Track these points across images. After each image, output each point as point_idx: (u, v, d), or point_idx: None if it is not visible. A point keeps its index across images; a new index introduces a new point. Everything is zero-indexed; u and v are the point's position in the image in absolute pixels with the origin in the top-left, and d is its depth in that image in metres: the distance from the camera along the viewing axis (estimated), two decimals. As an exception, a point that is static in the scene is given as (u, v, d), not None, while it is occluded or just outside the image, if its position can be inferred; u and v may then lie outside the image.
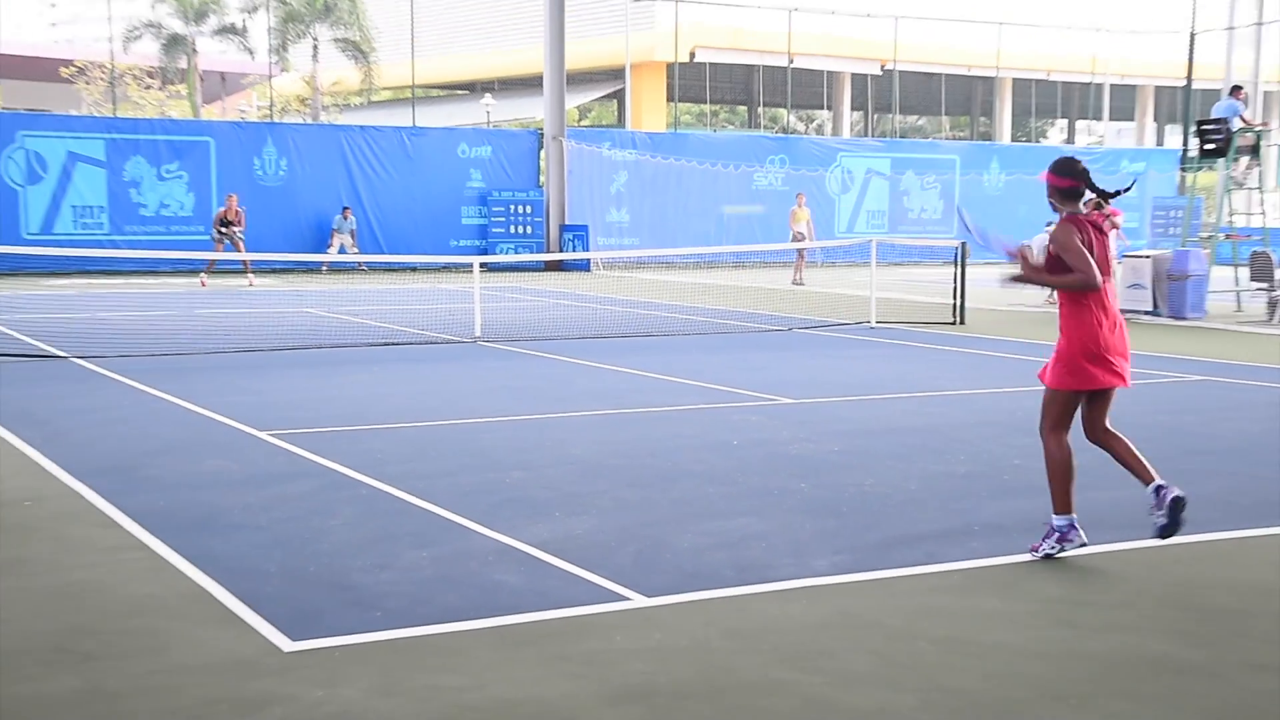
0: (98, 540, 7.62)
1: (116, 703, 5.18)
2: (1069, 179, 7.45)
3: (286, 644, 5.78)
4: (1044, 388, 7.55)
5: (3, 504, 8.57)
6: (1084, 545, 7.26)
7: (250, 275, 30.22)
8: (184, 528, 7.81)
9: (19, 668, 5.57)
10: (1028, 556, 7.35)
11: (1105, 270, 7.39)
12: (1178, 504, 7.14)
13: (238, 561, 7.10)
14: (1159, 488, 7.23)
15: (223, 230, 29.82)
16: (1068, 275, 7.30)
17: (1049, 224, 29.13)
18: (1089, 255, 7.19)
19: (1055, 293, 8.01)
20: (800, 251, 31.57)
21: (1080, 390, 7.36)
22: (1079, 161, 7.62)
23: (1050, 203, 7.59)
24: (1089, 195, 7.46)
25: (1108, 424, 7.45)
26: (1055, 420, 7.38)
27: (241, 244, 29.50)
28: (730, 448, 10.53)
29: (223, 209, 30.32)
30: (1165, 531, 7.15)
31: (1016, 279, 7.74)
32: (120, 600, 6.50)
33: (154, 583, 6.77)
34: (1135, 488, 9.03)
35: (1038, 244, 23.72)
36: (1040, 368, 7.74)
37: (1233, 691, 5.42)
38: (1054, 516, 7.30)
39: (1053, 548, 7.24)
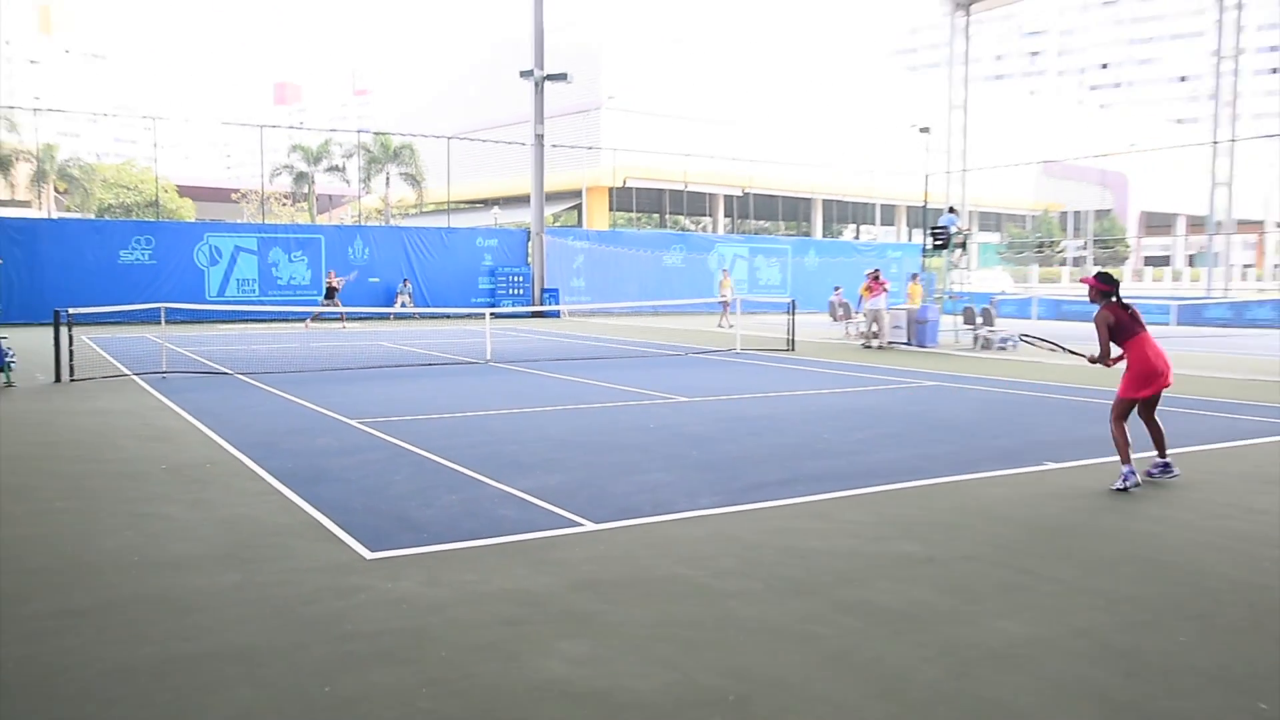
0: (250, 488, 7.64)
1: (264, 590, 5.26)
2: (1106, 285, 7.80)
3: (368, 554, 5.86)
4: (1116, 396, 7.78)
5: (192, 465, 8.57)
6: (1138, 485, 7.55)
7: (344, 322, 30.15)
8: (304, 480, 7.84)
9: (200, 568, 5.64)
10: (837, 494, 7.42)
11: (1140, 325, 7.73)
12: (1167, 469, 7.90)
13: (337, 502, 7.13)
14: (1166, 463, 7.91)
15: (330, 292, 29.90)
16: (1103, 347, 7.68)
17: (836, 287, 29.34)
18: (1109, 331, 7.63)
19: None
20: (724, 304, 30.85)
21: (1138, 398, 7.69)
22: (1112, 275, 7.96)
23: (1091, 299, 7.84)
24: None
25: (1155, 416, 7.86)
26: (1118, 415, 7.70)
27: (339, 303, 29.51)
28: (648, 429, 10.55)
29: (328, 280, 30.34)
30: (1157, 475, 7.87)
31: (1093, 360, 7.81)
32: (264, 525, 6.54)
33: (285, 515, 6.81)
34: (895, 453, 9.24)
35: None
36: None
37: (950, 574, 5.60)
38: (1123, 466, 7.58)
39: (1120, 485, 7.52)
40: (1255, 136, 44.44)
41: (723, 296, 30.81)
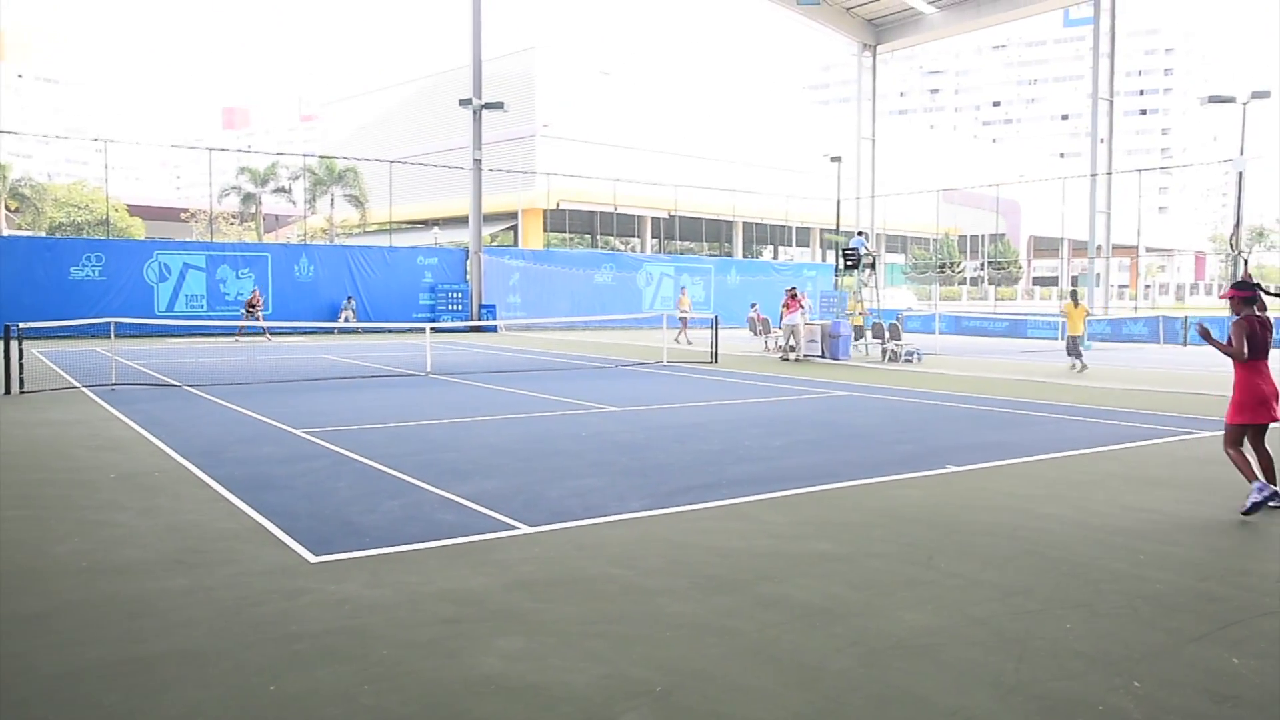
0: (198, 495, 7.45)
1: (211, 593, 5.13)
2: (1247, 291, 7.13)
3: (312, 558, 5.76)
4: (1226, 424, 7.13)
5: (141, 473, 8.32)
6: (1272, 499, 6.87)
7: (268, 335, 29.88)
8: (250, 488, 7.67)
9: (148, 572, 5.48)
10: (758, 497, 7.44)
11: (1265, 351, 7.03)
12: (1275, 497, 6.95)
13: (283, 508, 7.00)
14: (1276, 492, 6.97)
15: (250, 309, 29.60)
16: (1230, 348, 7.00)
17: (753, 304, 29.56)
18: (1246, 341, 6.93)
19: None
20: (684, 321, 30.16)
21: (1250, 424, 7.04)
22: (1254, 281, 7.27)
23: (1232, 309, 7.12)
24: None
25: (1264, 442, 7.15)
26: (1231, 441, 7.10)
27: (262, 317, 29.30)
28: (581, 437, 10.50)
29: (250, 297, 30.11)
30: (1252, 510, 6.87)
31: (1210, 340, 7.02)
32: (211, 531, 6.38)
33: (231, 521, 6.66)
34: (811, 458, 9.33)
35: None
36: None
37: (861, 570, 5.67)
38: (1252, 483, 6.91)
39: (1258, 498, 6.83)
40: (1128, 170, 46.02)
41: (682, 313, 30.52)
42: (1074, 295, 21.40)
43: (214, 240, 39.90)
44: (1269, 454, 7.10)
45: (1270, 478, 7.00)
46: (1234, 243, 37.22)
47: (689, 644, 4.44)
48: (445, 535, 6.26)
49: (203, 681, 3.99)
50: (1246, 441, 7.12)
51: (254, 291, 30.58)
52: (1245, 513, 6.86)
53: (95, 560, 5.72)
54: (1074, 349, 20.37)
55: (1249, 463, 7.01)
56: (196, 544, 6.08)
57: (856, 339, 23.81)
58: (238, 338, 29.38)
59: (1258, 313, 7.12)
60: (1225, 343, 7.03)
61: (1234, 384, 7.10)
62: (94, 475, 8.27)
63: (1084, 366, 20.12)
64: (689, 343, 27.94)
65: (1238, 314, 7.12)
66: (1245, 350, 6.94)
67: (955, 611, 4.89)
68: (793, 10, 45.38)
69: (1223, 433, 7.24)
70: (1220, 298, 7.58)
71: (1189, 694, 3.91)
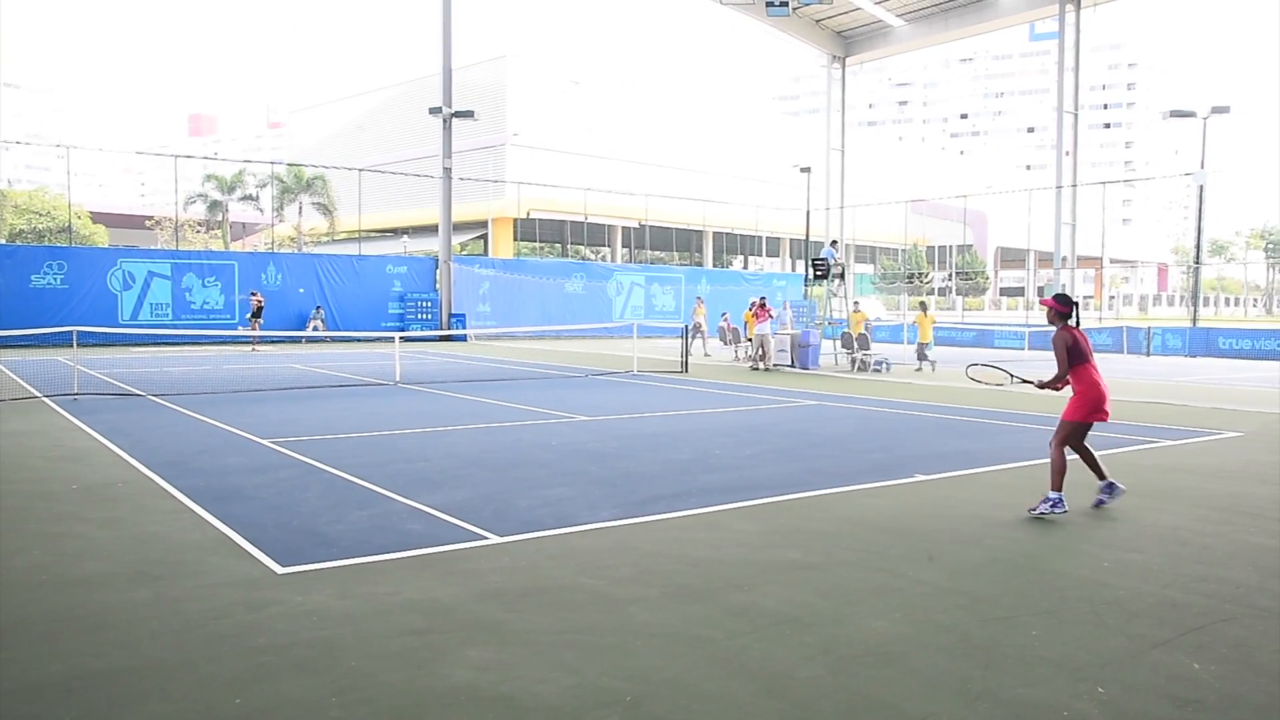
0: (162, 506, 7.36)
1: (176, 605, 5.07)
2: (1065, 307, 7.25)
3: (279, 569, 5.71)
4: (1062, 421, 7.24)
5: (104, 484, 8.21)
6: (1065, 511, 7.10)
7: (256, 346, 29.68)
8: (215, 498, 7.59)
9: (111, 585, 5.41)
10: (727, 506, 7.46)
11: (1089, 354, 7.18)
12: (1114, 489, 7.40)
13: (249, 519, 6.93)
14: (1110, 484, 7.42)
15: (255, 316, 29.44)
16: (1060, 369, 7.13)
17: (724, 313, 29.67)
18: (1067, 353, 7.08)
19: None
20: (701, 331, 29.72)
21: (1089, 423, 7.19)
22: (1070, 296, 7.38)
23: (1049, 319, 7.33)
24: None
25: (1086, 443, 7.37)
26: (1064, 440, 7.22)
27: (257, 326, 29.11)
28: (551, 447, 10.48)
29: (254, 305, 29.90)
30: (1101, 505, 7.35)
31: (1043, 385, 7.35)
32: (176, 543, 6.31)
33: (197, 532, 6.58)
34: (780, 468, 9.35)
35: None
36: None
37: (830, 578, 5.69)
38: (1051, 491, 7.14)
39: (1046, 509, 7.09)
40: (1092, 182, 46.72)
41: (696, 323, 30.13)
42: (923, 305, 24.60)
43: (180, 248, 39.46)
44: (1091, 451, 7.40)
45: (1099, 472, 7.42)
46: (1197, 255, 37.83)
47: (659, 653, 4.45)
48: (414, 545, 6.23)
49: (166, 695, 3.94)
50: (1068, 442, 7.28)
51: (254, 295, 30.20)
52: (1034, 512, 7.14)
53: (56, 573, 5.64)
54: (922, 354, 23.02)
55: (1065, 469, 7.18)
56: (160, 556, 6.00)
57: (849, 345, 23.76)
58: (254, 347, 29.48)
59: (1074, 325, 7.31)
60: (1055, 376, 7.22)
61: (1074, 385, 7.18)
62: (55, 486, 8.15)
63: (934, 367, 22.50)
64: (706, 355, 27.83)
65: (1053, 324, 7.29)
66: (1066, 372, 7.13)
67: (923, 619, 4.93)
68: (763, 21, 45.66)
69: (1056, 430, 7.31)
70: (1041, 304, 7.68)
71: (1152, 699, 3.97)
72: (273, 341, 30.48)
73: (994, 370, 8.09)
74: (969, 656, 4.42)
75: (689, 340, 23.36)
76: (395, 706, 3.86)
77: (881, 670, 4.26)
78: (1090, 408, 7.15)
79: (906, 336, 32.02)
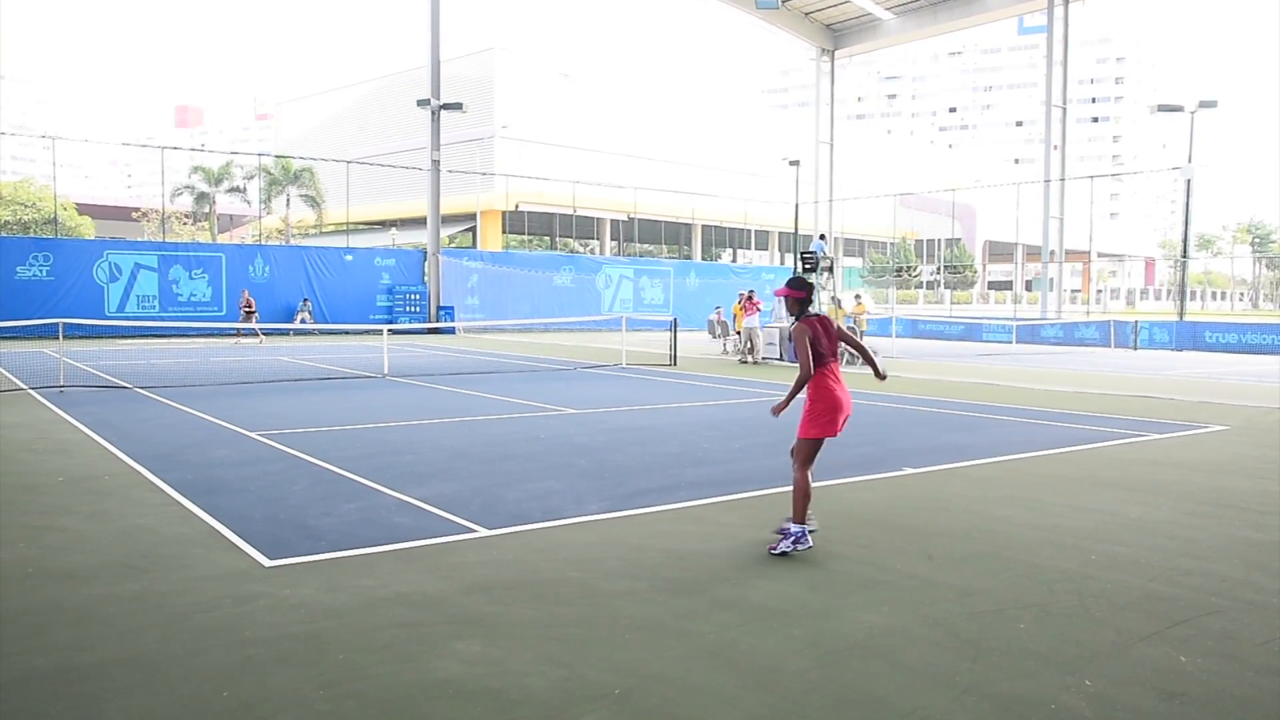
0: (149, 499, 7.33)
1: (162, 599, 5.04)
2: (802, 292, 6.18)
3: (266, 562, 5.69)
4: (798, 439, 6.12)
5: (91, 477, 8.17)
6: (810, 547, 5.94)
7: (260, 337, 29.70)
8: (203, 491, 7.56)
9: (97, 578, 5.38)
10: (715, 499, 7.47)
11: (832, 351, 6.06)
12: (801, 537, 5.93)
13: (236, 512, 6.90)
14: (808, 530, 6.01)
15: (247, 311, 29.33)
16: (803, 368, 5.96)
17: (717, 307, 29.73)
18: (809, 349, 5.94)
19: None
20: (725, 325, 29.15)
21: (825, 438, 6.08)
22: (807, 280, 6.29)
23: (788, 309, 6.26)
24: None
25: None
26: (805, 459, 6.08)
27: (255, 320, 29.10)
28: (539, 440, 10.46)
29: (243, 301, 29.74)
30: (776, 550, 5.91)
31: (778, 408, 6.13)
32: (163, 536, 6.28)
33: (184, 525, 6.55)
34: (768, 461, 9.34)
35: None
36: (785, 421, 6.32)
37: (818, 571, 5.69)
38: (792, 524, 5.96)
39: (789, 548, 5.87)
40: (1080, 176, 46.85)
41: (720, 319, 29.78)
42: (836, 301, 25.30)
43: (166, 240, 39.25)
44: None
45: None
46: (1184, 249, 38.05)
47: (647, 646, 4.45)
48: (402, 539, 6.21)
49: (152, 689, 3.92)
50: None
51: (244, 293, 30.09)
52: (775, 551, 5.91)
53: (41, 566, 5.60)
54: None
55: (810, 496, 6.02)
56: (147, 549, 5.97)
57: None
58: (237, 339, 29.43)
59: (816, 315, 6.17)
60: (794, 385, 6.04)
61: (808, 394, 6.07)
62: (40, 479, 8.10)
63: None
64: (724, 352, 27.79)
65: (794, 315, 6.15)
66: (811, 365, 5.96)
67: (911, 612, 4.94)
68: (752, 14, 45.64)
69: (795, 451, 6.16)
70: (776, 295, 6.69)
71: (1139, 692, 3.99)
72: (261, 334, 30.32)
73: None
74: (957, 650, 4.43)
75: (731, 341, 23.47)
76: (383, 699, 3.85)
77: (869, 663, 4.26)
78: (825, 419, 6.01)
79: (895, 329, 32.07)
